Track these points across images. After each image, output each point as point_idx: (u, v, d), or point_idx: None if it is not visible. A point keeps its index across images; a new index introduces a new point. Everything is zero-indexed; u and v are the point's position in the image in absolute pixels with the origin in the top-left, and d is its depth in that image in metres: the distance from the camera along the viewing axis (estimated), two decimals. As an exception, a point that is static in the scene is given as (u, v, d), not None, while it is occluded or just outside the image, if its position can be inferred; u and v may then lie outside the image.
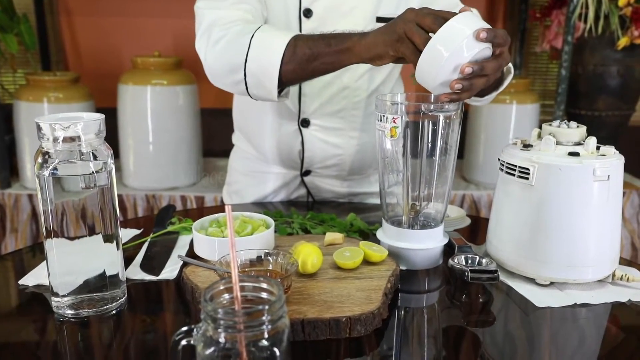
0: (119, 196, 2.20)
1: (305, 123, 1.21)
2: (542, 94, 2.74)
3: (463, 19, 0.78)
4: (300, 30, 1.13)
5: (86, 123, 0.69)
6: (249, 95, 1.04)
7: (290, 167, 1.28)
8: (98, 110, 0.71)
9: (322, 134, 1.21)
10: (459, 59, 0.77)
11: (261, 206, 1.26)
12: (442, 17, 0.80)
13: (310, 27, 1.12)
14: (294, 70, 0.97)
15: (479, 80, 0.80)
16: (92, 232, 0.73)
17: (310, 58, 0.95)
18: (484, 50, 0.78)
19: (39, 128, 0.69)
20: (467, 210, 2.28)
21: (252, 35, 0.99)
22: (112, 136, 2.16)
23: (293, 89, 1.17)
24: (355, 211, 1.13)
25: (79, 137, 0.69)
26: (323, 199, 1.32)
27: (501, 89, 1.03)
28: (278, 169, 1.29)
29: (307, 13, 1.12)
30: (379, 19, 1.12)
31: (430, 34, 0.80)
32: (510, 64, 1.02)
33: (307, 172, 1.28)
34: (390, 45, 0.85)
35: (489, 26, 0.79)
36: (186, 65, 2.34)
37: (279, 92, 1.01)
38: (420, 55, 0.79)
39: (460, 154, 2.46)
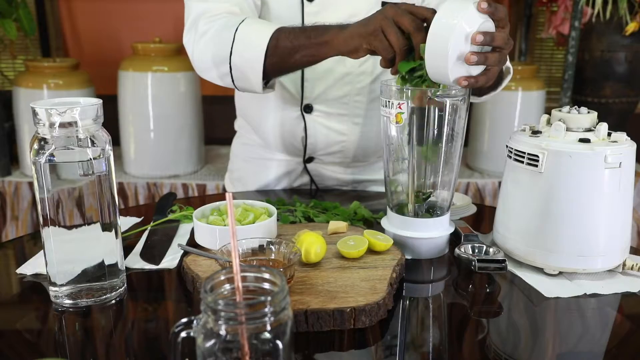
0: (120, 184, 2.19)
1: (308, 109, 1.19)
2: (547, 80, 2.71)
3: None
4: (303, 15, 1.10)
5: (83, 108, 0.67)
6: (235, 87, 1.05)
7: (293, 154, 1.26)
8: (98, 97, 0.70)
9: (325, 120, 1.19)
10: (466, 29, 0.76)
11: (264, 194, 1.24)
12: (421, 19, 0.81)
13: (312, 11, 1.10)
14: (277, 63, 0.98)
15: (493, 56, 0.79)
16: (90, 220, 0.71)
17: (292, 51, 0.95)
18: (486, 23, 0.78)
19: (34, 113, 0.67)
20: (472, 198, 2.26)
21: (236, 29, 1.00)
22: (112, 123, 2.15)
23: (295, 75, 1.15)
24: (359, 199, 1.11)
25: (75, 122, 0.67)
26: (326, 187, 1.30)
27: (499, 88, 1.02)
28: (281, 156, 1.28)
29: None
30: (384, 3, 1.10)
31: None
32: (509, 65, 1.00)
33: (310, 159, 1.26)
34: (364, 38, 0.86)
35: None
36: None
37: (265, 84, 1.02)
38: (427, 36, 0.77)
39: (465, 142, 2.43)
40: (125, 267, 0.80)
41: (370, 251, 0.84)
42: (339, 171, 1.28)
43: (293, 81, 1.16)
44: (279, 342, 0.48)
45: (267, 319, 0.47)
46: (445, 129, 0.86)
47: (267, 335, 0.48)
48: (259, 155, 1.30)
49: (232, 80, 1.03)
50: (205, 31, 1.03)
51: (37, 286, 0.80)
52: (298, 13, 1.10)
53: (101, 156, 0.70)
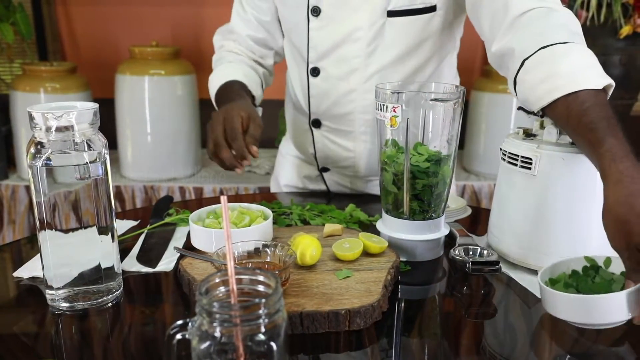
0: (117, 187, 2.19)
1: (316, 124, 1.21)
2: (543, 83, 2.72)
3: None
4: (308, 30, 1.11)
5: (80, 112, 0.68)
6: None
7: (309, 162, 1.32)
8: (95, 101, 0.70)
9: (333, 136, 1.21)
10: None
11: (294, 195, 1.27)
12: None
13: (318, 25, 1.10)
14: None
15: None
16: (86, 224, 0.71)
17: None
18: None
19: (31, 117, 0.67)
20: (468, 201, 2.27)
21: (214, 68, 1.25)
22: (110, 127, 2.15)
23: (303, 89, 1.19)
24: (357, 202, 1.11)
25: (72, 126, 0.68)
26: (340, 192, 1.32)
27: None
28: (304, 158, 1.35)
29: (315, 12, 1.09)
30: (389, 13, 1.06)
31: None
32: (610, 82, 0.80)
33: (326, 169, 1.29)
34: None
35: None
36: (184, 55, 2.31)
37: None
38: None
39: (461, 144, 2.44)
40: (122, 270, 0.81)
41: (366, 253, 0.84)
42: (354, 182, 1.30)
43: (303, 96, 1.19)
44: (273, 344, 0.49)
45: (261, 320, 0.48)
46: (440, 133, 0.86)
47: (261, 337, 0.48)
48: (293, 153, 1.37)
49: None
50: (214, 59, 1.28)
51: (34, 289, 0.80)
52: (304, 27, 1.12)
53: (97, 160, 0.70)
